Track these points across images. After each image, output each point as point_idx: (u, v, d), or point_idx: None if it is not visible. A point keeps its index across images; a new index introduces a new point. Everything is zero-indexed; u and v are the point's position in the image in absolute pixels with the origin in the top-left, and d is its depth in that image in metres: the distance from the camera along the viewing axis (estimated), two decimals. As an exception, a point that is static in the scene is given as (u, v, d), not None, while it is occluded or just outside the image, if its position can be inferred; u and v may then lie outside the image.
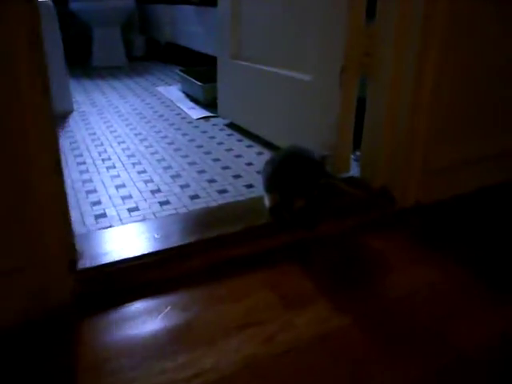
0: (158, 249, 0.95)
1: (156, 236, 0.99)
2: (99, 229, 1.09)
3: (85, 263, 0.89)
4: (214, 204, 1.21)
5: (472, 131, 1.23)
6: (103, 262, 0.90)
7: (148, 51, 3.84)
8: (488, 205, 1.25)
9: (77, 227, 1.09)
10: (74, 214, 1.15)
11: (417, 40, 1.03)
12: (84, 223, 1.12)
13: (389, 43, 1.08)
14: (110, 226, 1.10)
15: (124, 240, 0.98)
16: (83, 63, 3.50)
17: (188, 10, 3.04)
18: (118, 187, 1.32)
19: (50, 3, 1.90)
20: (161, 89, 2.64)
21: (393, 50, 1.07)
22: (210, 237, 0.99)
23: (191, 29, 3.02)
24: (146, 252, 0.93)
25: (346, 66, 1.16)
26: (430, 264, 0.98)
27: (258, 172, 1.41)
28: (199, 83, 2.19)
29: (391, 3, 1.05)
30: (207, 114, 2.07)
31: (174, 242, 0.97)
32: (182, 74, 2.46)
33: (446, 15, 1.02)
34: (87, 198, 1.26)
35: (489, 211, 1.22)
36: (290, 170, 1.01)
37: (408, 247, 1.05)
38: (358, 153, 1.31)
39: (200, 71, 2.45)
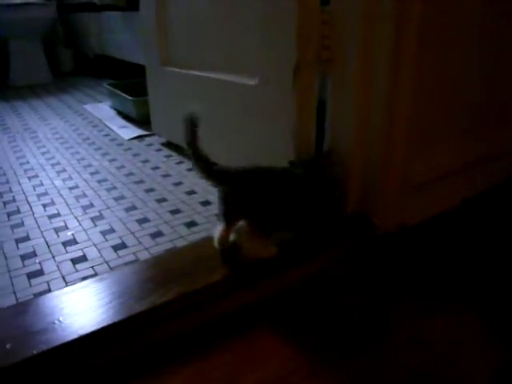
0: (62, 341, 0.65)
1: (59, 320, 0.69)
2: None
3: None
4: (144, 254, 0.93)
5: (458, 135, 1.02)
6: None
7: (76, 65, 3.47)
8: (484, 217, 1.04)
9: None
10: None
11: (391, 23, 0.79)
12: (-40, 304, 0.80)
13: (353, 30, 0.84)
14: (-3, 306, 0.79)
15: (17, 333, 0.68)
16: (0, 83, 3.09)
17: (115, 16, 2.72)
18: (18, 241, 1.01)
19: None
20: (88, 107, 2.31)
21: (359, 38, 0.83)
22: (136, 312, 0.70)
23: (120, 37, 2.70)
24: (45, 348, 0.64)
25: (300, 64, 0.91)
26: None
27: (202, 203, 1.14)
28: (130, 97, 1.89)
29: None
30: (140, 132, 1.77)
31: (84, 326, 0.67)
32: (110, 88, 2.15)
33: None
34: (-26, 261, 0.94)
35: (487, 225, 1.01)
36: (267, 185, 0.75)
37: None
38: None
39: (132, 84, 2.15)
